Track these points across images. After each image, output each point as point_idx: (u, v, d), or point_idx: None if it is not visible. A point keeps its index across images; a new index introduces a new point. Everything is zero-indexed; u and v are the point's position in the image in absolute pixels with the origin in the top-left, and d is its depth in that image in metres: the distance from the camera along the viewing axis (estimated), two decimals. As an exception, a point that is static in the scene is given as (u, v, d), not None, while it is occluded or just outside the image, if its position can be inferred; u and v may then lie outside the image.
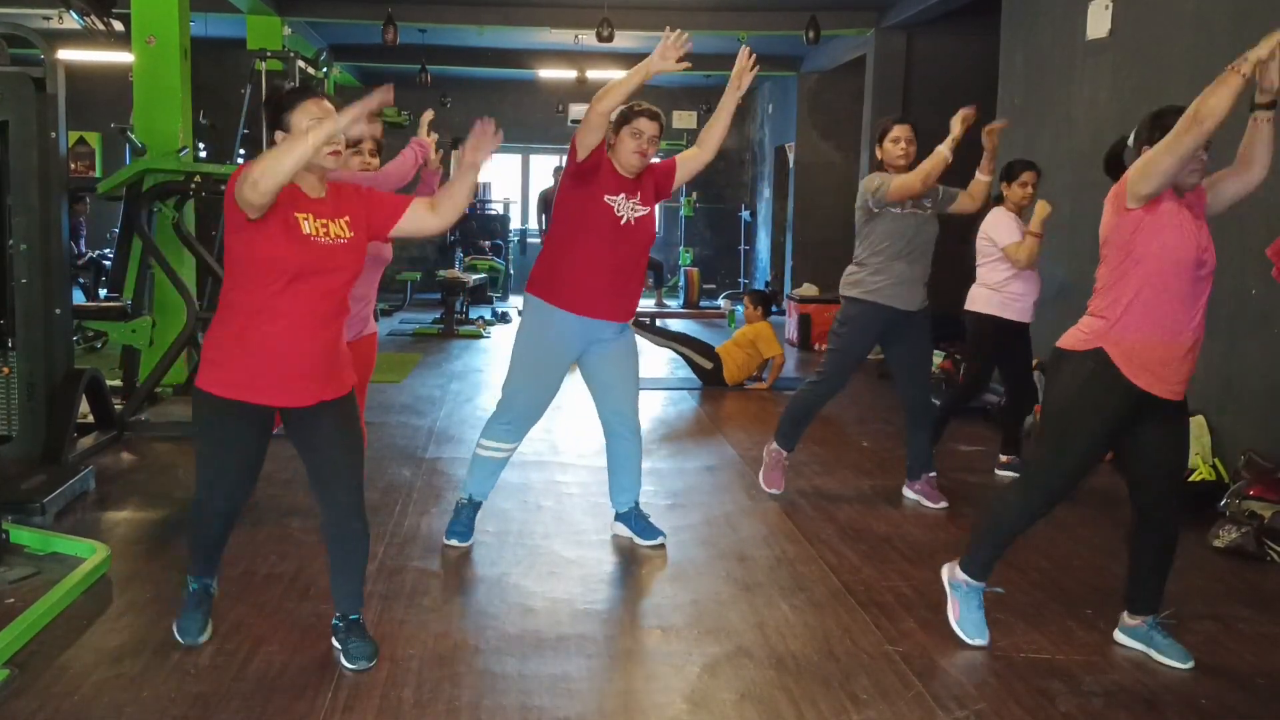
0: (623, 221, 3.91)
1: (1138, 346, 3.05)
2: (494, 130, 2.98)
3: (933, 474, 4.98)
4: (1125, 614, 3.35)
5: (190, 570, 3.25)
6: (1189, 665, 3.19)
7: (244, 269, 2.87)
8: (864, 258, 4.73)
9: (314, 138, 2.67)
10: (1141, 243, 3.03)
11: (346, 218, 2.96)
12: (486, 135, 2.96)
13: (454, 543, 4.17)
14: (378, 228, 3.03)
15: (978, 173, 4.81)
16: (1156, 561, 3.26)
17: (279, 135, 2.91)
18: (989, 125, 4.77)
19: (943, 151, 4.46)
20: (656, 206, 4.09)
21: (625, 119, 3.89)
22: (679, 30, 3.64)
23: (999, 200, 5.35)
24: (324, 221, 2.90)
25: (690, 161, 4.11)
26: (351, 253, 2.95)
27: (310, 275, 2.86)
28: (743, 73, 3.95)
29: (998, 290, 5.26)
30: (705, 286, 14.97)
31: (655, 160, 4.04)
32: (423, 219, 3.07)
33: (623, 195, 3.91)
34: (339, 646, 3.12)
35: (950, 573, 3.43)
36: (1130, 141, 3.21)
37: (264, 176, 2.65)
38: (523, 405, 4.10)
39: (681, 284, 14.74)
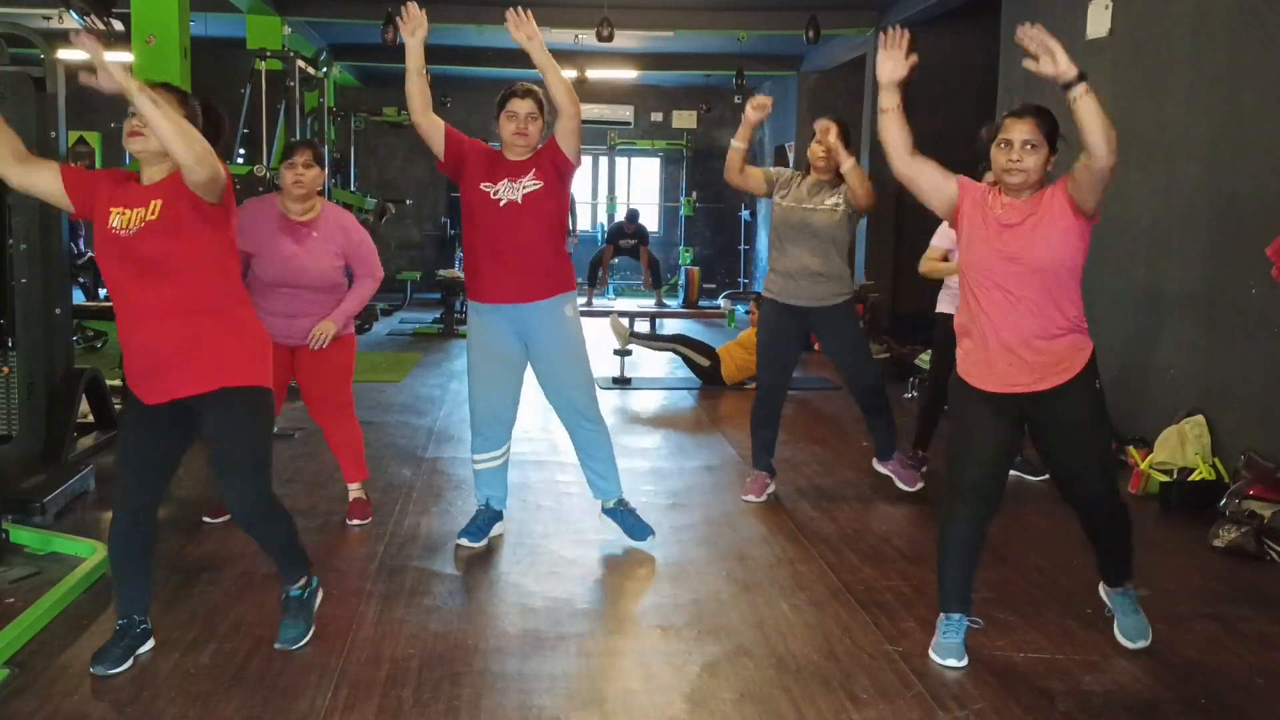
0: (503, 204, 3.93)
1: (965, 348, 3.17)
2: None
3: (908, 458, 5.08)
4: (1101, 582, 3.43)
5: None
6: (1139, 645, 3.25)
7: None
8: (771, 257, 4.87)
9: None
10: (961, 252, 3.17)
11: (159, 201, 2.90)
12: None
13: (465, 541, 4.18)
14: (197, 198, 2.90)
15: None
16: (1105, 545, 3.28)
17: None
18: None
19: (735, 143, 4.62)
20: (564, 191, 4.07)
21: (500, 104, 3.97)
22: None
23: None
24: (132, 211, 2.90)
25: (559, 129, 4.00)
26: (158, 239, 2.87)
27: (124, 263, 2.89)
28: (515, 30, 3.96)
29: (950, 288, 5.29)
30: (705, 286, 14.98)
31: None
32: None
33: (506, 180, 3.94)
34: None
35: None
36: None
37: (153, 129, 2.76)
38: (482, 406, 4.14)
39: (682, 283, 14.75)
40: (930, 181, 3.16)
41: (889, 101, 3.13)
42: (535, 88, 4.00)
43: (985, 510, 3.17)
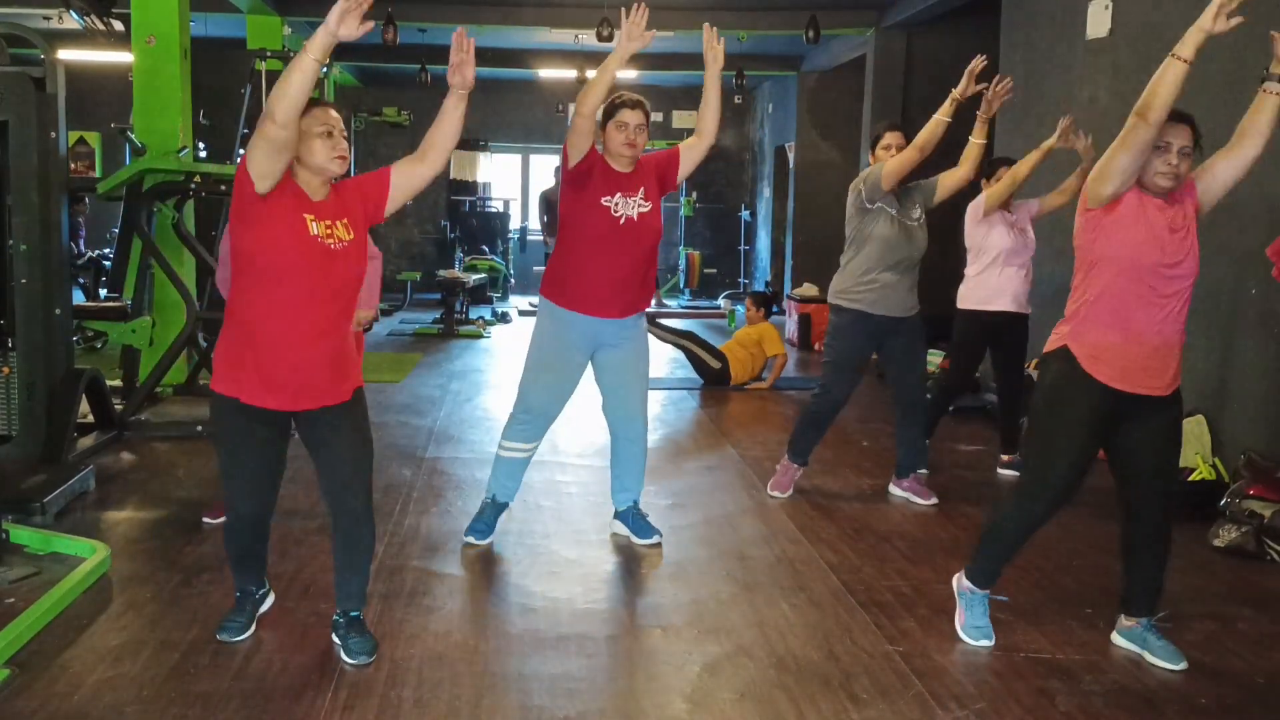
0: (621, 221, 3.92)
1: (1099, 345, 3.09)
2: (467, 42, 2.92)
3: (923, 471, 5.01)
4: (1122, 615, 3.35)
5: (233, 577, 3.32)
6: (1181, 666, 3.18)
7: (252, 271, 2.87)
8: (853, 266, 4.74)
9: (312, 46, 2.66)
10: (1101, 243, 3.05)
11: (346, 219, 2.96)
12: (462, 50, 2.90)
13: (472, 539, 4.19)
14: (373, 213, 3.03)
15: (971, 137, 4.71)
16: (1150, 562, 3.25)
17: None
18: (997, 83, 4.56)
19: (938, 117, 4.47)
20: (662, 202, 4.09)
21: (608, 115, 3.93)
22: (637, 4, 3.68)
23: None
24: (329, 224, 2.91)
25: (691, 150, 4.08)
26: (352, 256, 2.96)
27: (314, 277, 2.87)
28: (710, 47, 3.93)
29: (979, 284, 5.31)
30: (706, 271, 14.96)
31: (654, 149, 4.04)
32: (414, 174, 3.07)
33: (619, 194, 3.92)
34: (339, 641, 3.13)
35: (958, 581, 3.44)
36: None
37: (277, 102, 2.66)
38: (537, 402, 4.11)
39: (682, 267, 14.76)
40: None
41: (1189, 51, 2.93)
42: (643, 99, 3.97)
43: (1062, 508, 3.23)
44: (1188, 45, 2.85)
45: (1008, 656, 3.26)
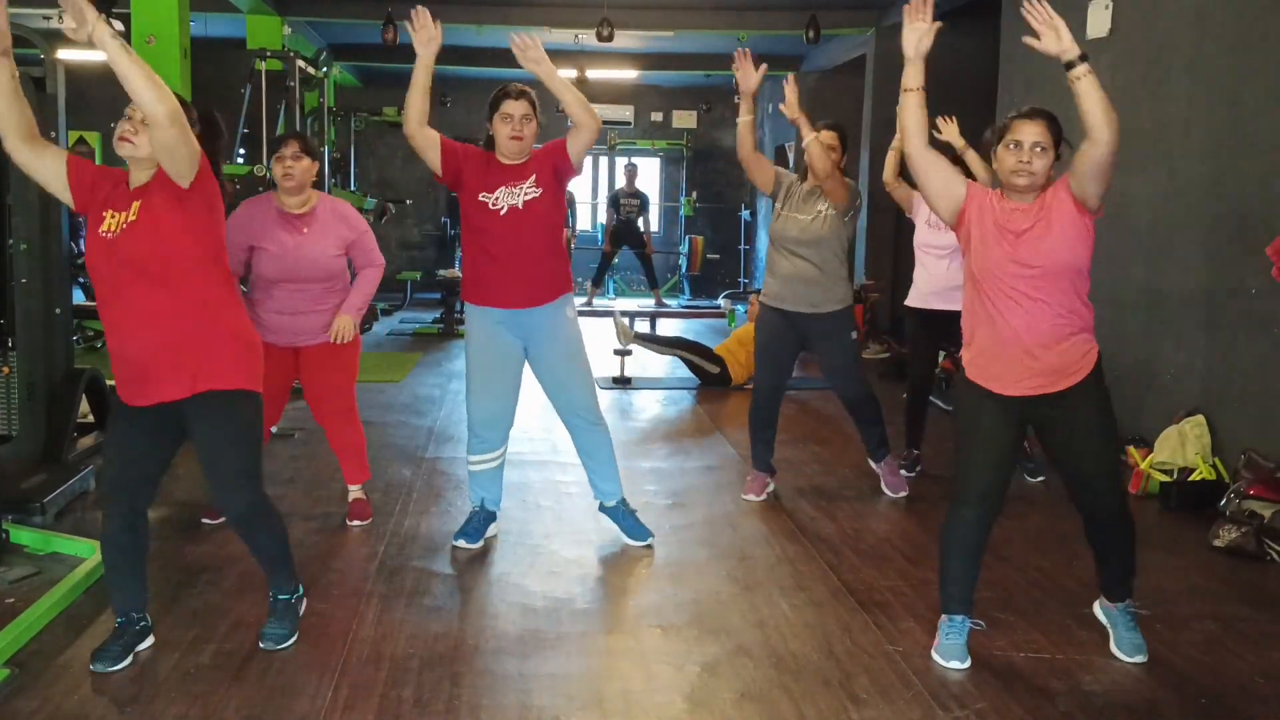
0: (503, 212, 3.93)
1: (974, 352, 3.15)
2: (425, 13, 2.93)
3: (898, 463, 5.12)
4: (1102, 596, 3.39)
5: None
6: (1136, 659, 3.21)
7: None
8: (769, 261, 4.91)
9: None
10: (966, 255, 3.14)
11: (139, 202, 2.89)
12: (424, 21, 2.93)
13: (462, 543, 4.18)
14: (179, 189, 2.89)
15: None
16: (1114, 552, 3.26)
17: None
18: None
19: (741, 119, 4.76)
20: (562, 192, 4.09)
21: (492, 108, 3.94)
22: (418, 6, 3.76)
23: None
24: (119, 214, 2.88)
25: (573, 139, 4.00)
26: (140, 240, 2.85)
27: (112, 264, 2.87)
28: (521, 54, 3.91)
29: (914, 283, 5.34)
30: (710, 256, 14.97)
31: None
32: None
33: (502, 188, 3.93)
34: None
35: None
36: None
37: (131, 84, 2.67)
38: (482, 412, 4.13)
39: (684, 250, 14.77)
40: (942, 177, 3.12)
41: (913, 80, 3.09)
42: (529, 89, 3.98)
43: (990, 513, 3.18)
44: (911, 67, 3.10)
45: (1008, 656, 3.26)
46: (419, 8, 3.77)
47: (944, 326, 5.01)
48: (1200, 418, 5.18)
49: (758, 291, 9.88)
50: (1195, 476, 4.90)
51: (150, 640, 3.17)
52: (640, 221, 13.52)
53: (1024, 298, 3.02)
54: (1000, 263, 3.02)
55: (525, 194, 3.94)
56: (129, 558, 3.12)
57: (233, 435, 3.03)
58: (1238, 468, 4.76)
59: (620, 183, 14.29)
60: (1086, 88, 2.84)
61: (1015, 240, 3.01)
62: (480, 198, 3.94)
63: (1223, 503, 4.56)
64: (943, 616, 3.26)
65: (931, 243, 5.21)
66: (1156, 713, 2.94)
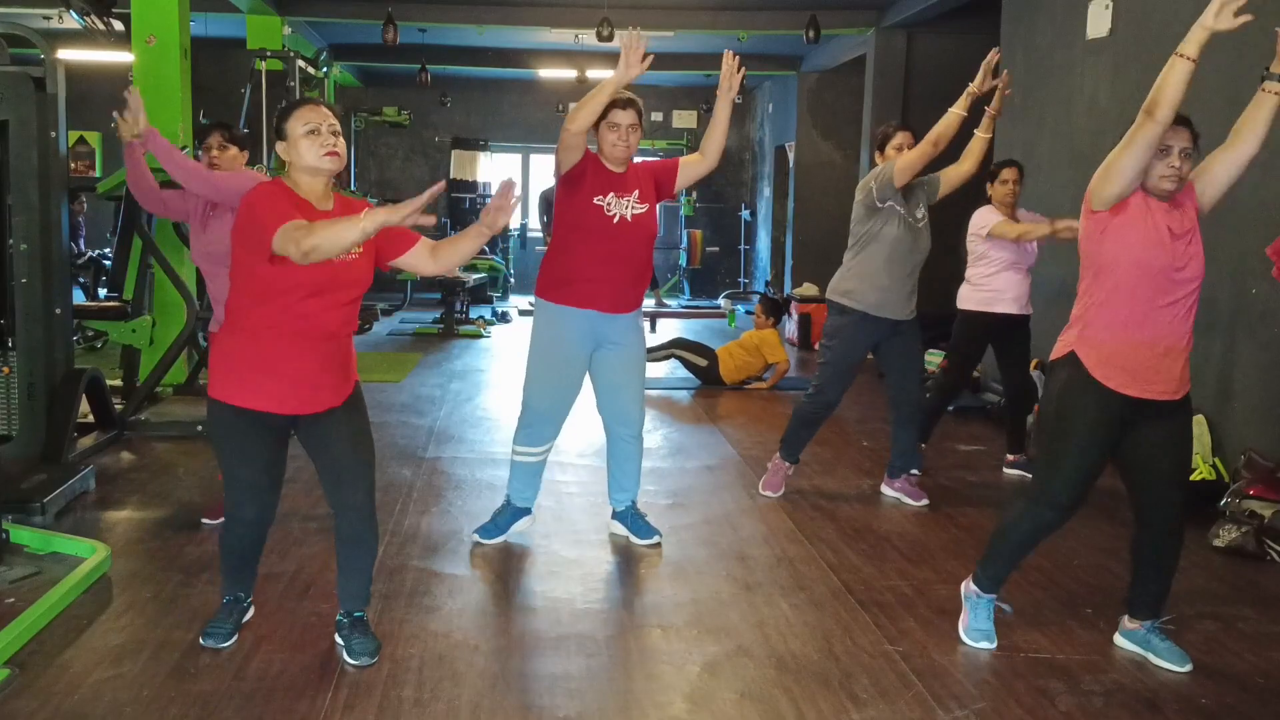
0: (615, 220, 3.96)
1: (1107, 350, 3.06)
2: (514, 195, 2.88)
3: (915, 472, 5.01)
4: (1125, 617, 3.35)
5: (222, 582, 3.28)
6: (1187, 668, 3.18)
7: (257, 283, 2.87)
8: (857, 266, 4.72)
9: (368, 224, 2.65)
10: (1109, 246, 3.02)
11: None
12: (507, 200, 2.86)
13: (478, 538, 4.20)
14: (383, 255, 3.04)
15: (977, 131, 4.74)
16: (1159, 566, 3.24)
17: (279, 146, 2.92)
18: (1005, 79, 4.68)
19: (955, 110, 4.49)
20: (658, 206, 4.12)
21: (600, 115, 3.93)
22: (633, 29, 3.70)
23: (985, 200, 5.39)
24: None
25: (691, 166, 4.16)
26: (362, 270, 2.97)
27: (325, 292, 2.89)
28: (729, 75, 3.97)
29: (981, 287, 5.30)
30: (709, 249, 14.98)
31: (657, 158, 4.06)
32: (421, 261, 3.06)
33: (612, 194, 3.96)
34: (342, 643, 3.13)
35: (965, 585, 3.42)
36: None
37: (315, 253, 2.67)
38: (543, 405, 4.12)
39: (684, 245, 14.79)
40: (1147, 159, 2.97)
41: (1194, 50, 2.90)
42: (636, 98, 3.98)
43: (1070, 518, 3.21)
44: (1191, 43, 2.84)
45: (1008, 656, 3.26)
46: (635, 33, 3.69)
47: (1000, 331, 5.31)
48: (1200, 418, 5.18)
49: (758, 292, 9.91)
50: (1195, 476, 4.90)
51: (251, 611, 3.35)
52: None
53: (1172, 302, 3.01)
54: (1165, 263, 2.99)
55: (633, 207, 3.99)
56: (253, 557, 3.25)
57: (367, 434, 3.17)
58: (1238, 468, 4.76)
59: None
60: (1275, 104, 2.99)
61: (1173, 242, 3.00)
62: (595, 200, 3.95)
63: (1223, 503, 4.56)
64: (985, 596, 3.33)
65: (1014, 259, 5.25)
66: (1156, 713, 2.94)
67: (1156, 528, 3.19)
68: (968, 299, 5.38)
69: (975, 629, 3.34)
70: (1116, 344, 3.05)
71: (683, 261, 15.02)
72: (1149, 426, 3.11)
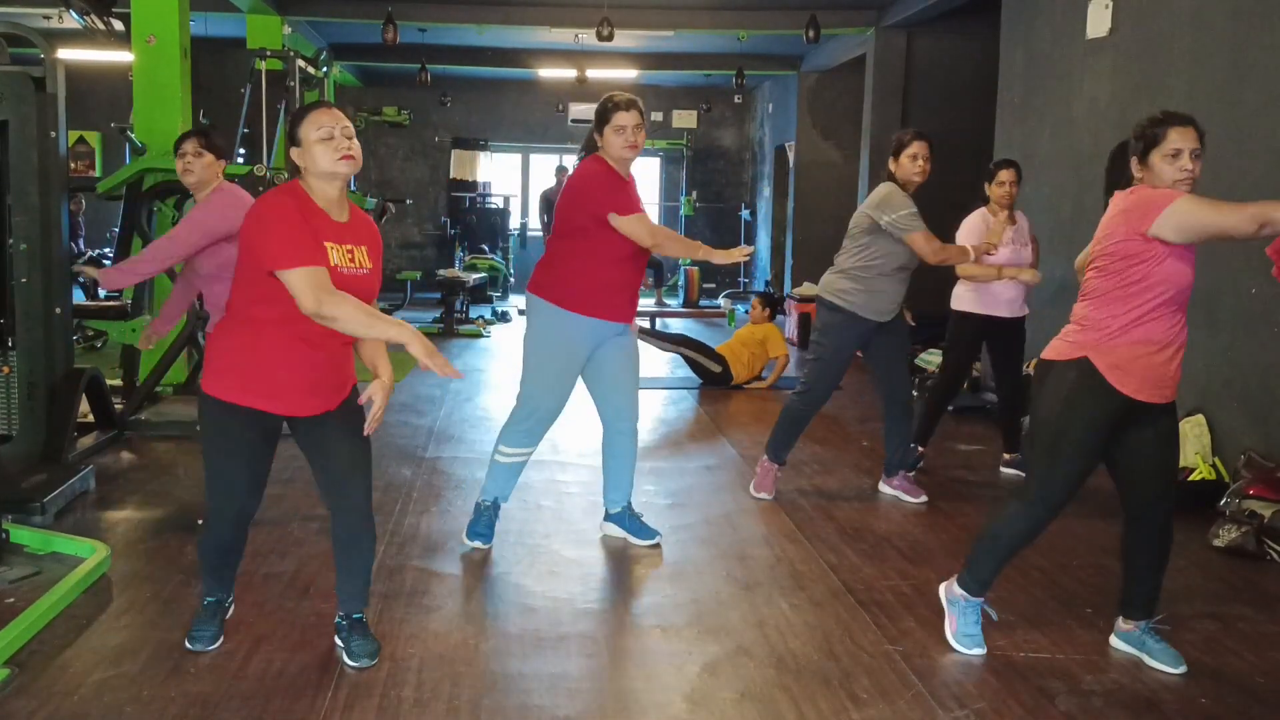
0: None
1: (1128, 359, 3.06)
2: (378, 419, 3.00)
3: (911, 471, 5.03)
4: (1119, 619, 3.34)
5: (204, 583, 3.25)
6: (1181, 670, 3.17)
7: (263, 287, 2.85)
8: (852, 269, 4.72)
9: (396, 336, 2.77)
10: (1156, 271, 3.01)
11: (365, 247, 2.97)
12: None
13: (477, 544, 4.17)
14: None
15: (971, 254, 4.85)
16: (1149, 565, 3.24)
17: (294, 152, 2.91)
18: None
19: (970, 255, 4.76)
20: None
21: (605, 118, 3.95)
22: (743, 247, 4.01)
23: (982, 202, 5.39)
24: (349, 249, 2.91)
25: (623, 224, 4.01)
26: (374, 282, 2.99)
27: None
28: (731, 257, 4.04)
29: (975, 288, 5.30)
30: (705, 286, 14.98)
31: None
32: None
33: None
34: (341, 644, 3.13)
35: (947, 589, 3.39)
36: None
37: (333, 323, 2.75)
38: (544, 404, 4.12)
39: (681, 283, 14.74)
40: None
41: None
42: (636, 97, 4.01)
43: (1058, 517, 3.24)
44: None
45: (1008, 656, 3.26)
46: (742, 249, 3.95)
47: (995, 331, 5.37)
48: (1200, 417, 5.18)
49: (759, 292, 9.91)
50: (1195, 476, 4.90)
51: (232, 609, 3.33)
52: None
53: (1180, 307, 3.07)
54: (1191, 279, 3.05)
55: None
56: (234, 560, 3.24)
57: (363, 435, 3.14)
58: (1238, 468, 4.76)
59: (550, 183, 14.18)
60: None
61: (1187, 251, 3.03)
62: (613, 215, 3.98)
63: (1223, 502, 4.56)
64: (972, 600, 3.31)
65: (1009, 260, 5.23)
66: (1156, 712, 2.94)
67: (1148, 524, 3.20)
68: (961, 299, 5.39)
69: (965, 634, 3.31)
70: (1140, 353, 3.06)
71: (679, 300, 14.93)
72: (1141, 427, 3.13)
